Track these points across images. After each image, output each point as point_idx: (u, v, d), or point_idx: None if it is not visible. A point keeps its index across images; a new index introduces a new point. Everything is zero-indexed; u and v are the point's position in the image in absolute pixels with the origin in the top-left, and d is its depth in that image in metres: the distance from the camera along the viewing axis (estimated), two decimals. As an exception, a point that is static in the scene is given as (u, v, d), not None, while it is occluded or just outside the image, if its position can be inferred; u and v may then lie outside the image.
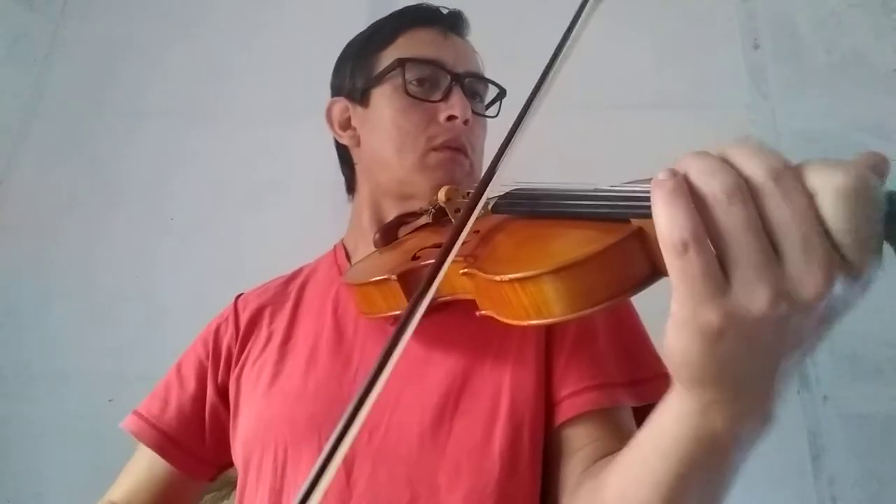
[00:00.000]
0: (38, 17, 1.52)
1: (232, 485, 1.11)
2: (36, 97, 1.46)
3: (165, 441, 0.71)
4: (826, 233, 0.28)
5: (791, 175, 0.29)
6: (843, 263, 0.29)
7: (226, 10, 1.50)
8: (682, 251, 0.29)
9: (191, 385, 0.73)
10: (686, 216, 0.29)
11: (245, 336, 0.73)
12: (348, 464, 0.58)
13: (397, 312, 0.57)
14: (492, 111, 0.80)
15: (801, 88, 1.28)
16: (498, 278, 0.43)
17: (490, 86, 0.78)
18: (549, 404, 0.59)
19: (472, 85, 0.74)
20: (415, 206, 0.71)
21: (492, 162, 0.54)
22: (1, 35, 1.49)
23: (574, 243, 0.40)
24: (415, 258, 0.56)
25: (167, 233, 1.33)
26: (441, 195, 0.65)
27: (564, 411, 0.58)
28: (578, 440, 0.57)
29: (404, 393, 0.60)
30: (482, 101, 0.78)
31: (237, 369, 0.71)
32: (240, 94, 1.43)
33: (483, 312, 0.47)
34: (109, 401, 1.18)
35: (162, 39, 1.49)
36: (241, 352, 0.73)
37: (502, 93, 0.80)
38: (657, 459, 0.39)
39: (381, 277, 0.56)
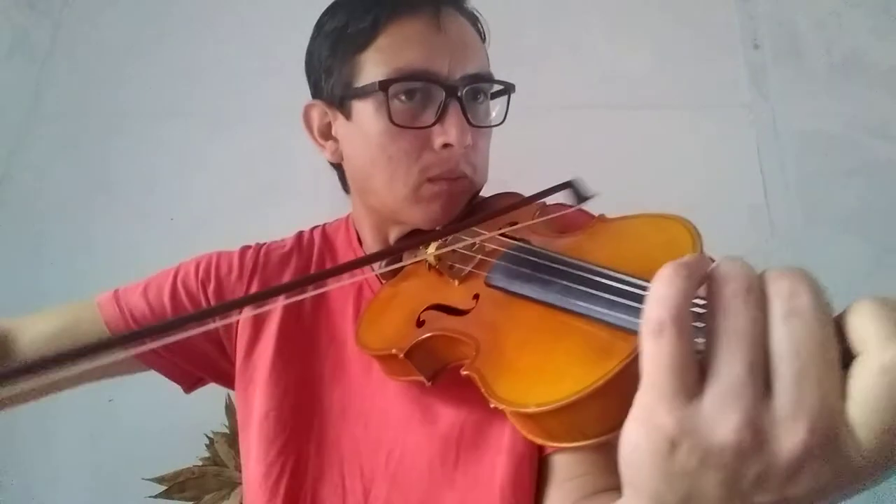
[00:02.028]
0: (38, 17, 1.52)
1: (232, 485, 1.11)
2: (36, 97, 1.46)
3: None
4: (848, 404, 0.24)
5: (815, 308, 0.24)
6: (846, 444, 0.24)
7: (226, 9, 1.50)
8: (657, 333, 0.26)
9: (182, 311, 0.68)
10: (675, 294, 0.26)
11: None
12: (367, 485, 0.58)
13: (414, 378, 0.55)
14: (499, 113, 0.68)
15: (801, 88, 1.28)
16: (500, 407, 0.40)
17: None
18: None
19: (472, 87, 0.62)
20: (413, 227, 0.66)
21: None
22: (1, 35, 1.49)
23: (576, 364, 0.37)
24: (420, 324, 0.54)
25: (167, 233, 1.33)
26: (430, 255, 0.58)
27: None
28: (565, 472, 0.54)
29: (416, 417, 0.59)
30: (486, 97, 0.66)
31: (247, 333, 0.68)
32: (240, 93, 1.42)
33: (495, 406, 0.42)
34: (109, 401, 1.18)
35: (162, 39, 1.49)
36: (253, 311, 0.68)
37: (509, 87, 0.67)
38: None
39: (391, 353, 0.54)
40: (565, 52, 1.36)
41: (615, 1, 1.39)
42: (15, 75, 1.48)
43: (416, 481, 0.57)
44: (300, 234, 0.78)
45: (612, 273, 0.40)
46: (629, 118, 1.26)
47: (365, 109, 0.61)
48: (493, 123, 0.67)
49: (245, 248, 0.75)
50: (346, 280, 0.61)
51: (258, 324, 0.68)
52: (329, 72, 0.64)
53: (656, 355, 0.26)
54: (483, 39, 0.67)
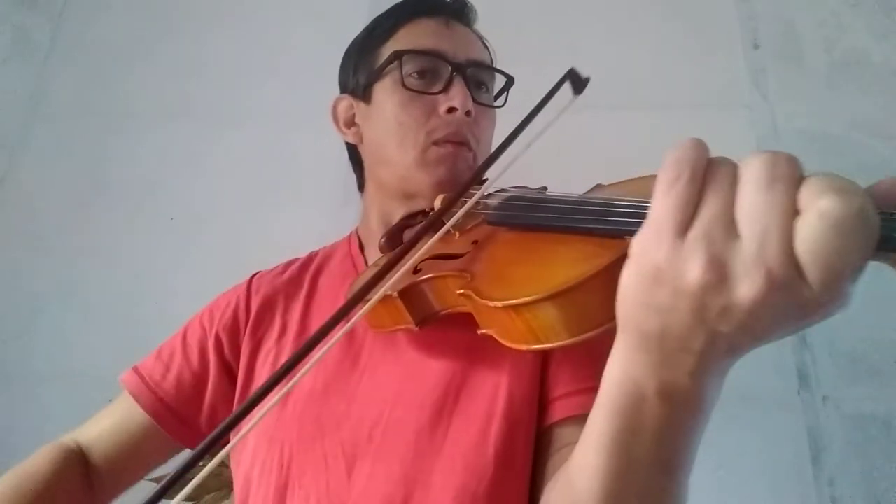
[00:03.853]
0: (38, 17, 1.52)
1: (232, 485, 1.11)
2: (36, 97, 1.46)
3: (162, 408, 0.71)
4: (797, 249, 0.27)
5: (787, 175, 0.28)
6: (799, 284, 0.28)
7: (226, 10, 1.50)
8: (672, 182, 0.30)
9: (194, 357, 0.73)
10: (695, 159, 0.30)
11: (257, 320, 0.73)
12: (349, 461, 0.59)
13: (403, 327, 0.56)
14: (499, 101, 0.78)
15: (801, 88, 1.28)
16: (492, 304, 0.42)
17: (497, 75, 0.76)
18: (543, 403, 0.59)
19: (475, 74, 0.72)
20: (419, 204, 0.70)
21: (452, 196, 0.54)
22: (1, 35, 1.49)
23: (568, 264, 0.40)
24: (416, 271, 0.55)
25: (167, 233, 1.33)
26: (437, 203, 0.63)
27: (556, 412, 0.57)
28: (566, 439, 0.56)
29: (404, 392, 0.60)
30: (489, 90, 0.75)
31: (248, 354, 0.71)
32: (241, 94, 1.42)
33: (484, 332, 0.46)
34: (109, 401, 1.18)
35: (163, 39, 1.49)
36: (252, 335, 0.72)
37: (510, 81, 0.77)
38: (595, 415, 0.38)
39: (385, 293, 0.55)
40: (565, 52, 1.35)
41: (615, 1, 1.39)
42: (15, 75, 1.48)
43: (402, 452, 0.57)
44: (294, 259, 0.82)
45: (602, 196, 0.43)
46: (629, 118, 1.26)
47: (383, 88, 0.71)
48: (493, 105, 0.76)
49: (237, 285, 0.80)
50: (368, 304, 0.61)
51: (256, 341, 0.72)
52: (356, 68, 0.75)
53: (665, 198, 0.30)
54: (489, 58, 0.77)
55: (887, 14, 1.30)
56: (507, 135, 0.55)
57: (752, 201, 0.28)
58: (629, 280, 0.32)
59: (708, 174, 0.30)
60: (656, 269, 0.30)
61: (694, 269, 0.29)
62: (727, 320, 0.29)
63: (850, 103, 1.25)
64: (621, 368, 0.36)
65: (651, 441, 0.36)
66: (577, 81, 0.61)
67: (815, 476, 1.03)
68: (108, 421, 0.73)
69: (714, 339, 0.31)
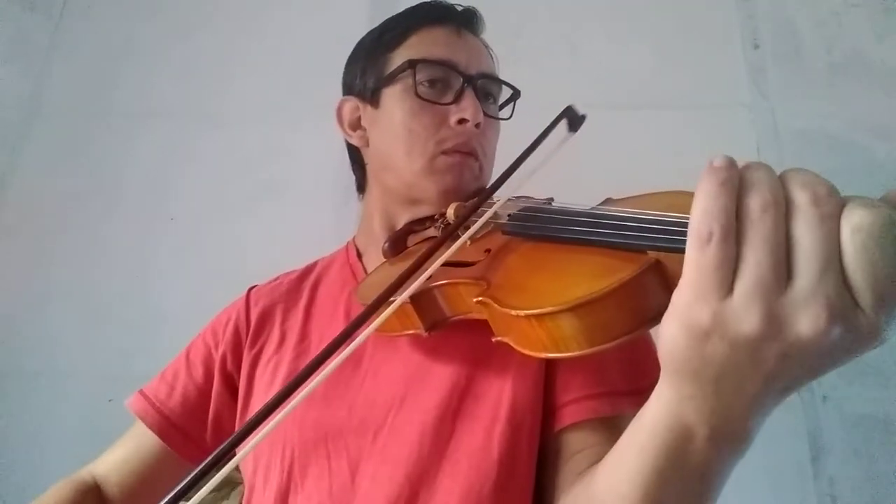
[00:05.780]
0: (38, 17, 1.52)
1: (232, 485, 1.11)
2: (36, 97, 1.46)
3: (168, 426, 0.71)
4: (845, 273, 0.28)
5: (832, 204, 0.28)
6: (854, 309, 0.28)
7: (226, 10, 1.50)
8: (705, 241, 0.29)
9: (198, 374, 0.73)
10: (723, 211, 0.29)
11: (256, 331, 0.73)
12: (353, 464, 0.59)
13: (412, 332, 0.56)
14: (505, 112, 0.79)
15: (801, 88, 1.28)
16: (514, 313, 0.42)
17: (504, 86, 0.77)
18: (550, 408, 0.59)
19: (485, 86, 0.73)
20: (424, 211, 0.70)
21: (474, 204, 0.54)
22: (1, 35, 1.49)
23: (591, 276, 0.40)
24: (428, 277, 0.55)
25: (167, 233, 1.33)
26: (450, 212, 0.63)
27: (565, 417, 0.58)
28: (577, 445, 0.57)
29: (408, 395, 0.61)
30: (495, 101, 0.76)
31: (248, 365, 0.71)
32: (240, 94, 1.42)
33: (499, 339, 0.47)
34: (109, 401, 1.18)
35: (162, 39, 1.49)
36: (252, 346, 0.72)
37: (516, 94, 0.78)
38: (634, 452, 0.39)
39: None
40: (565, 52, 1.36)
41: (615, 1, 1.39)
42: (15, 75, 1.48)
43: (406, 455, 0.57)
44: (292, 270, 0.83)
45: (621, 209, 0.43)
46: (629, 118, 1.26)
47: (393, 94, 0.71)
48: (501, 117, 0.77)
49: (236, 300, 0.79)
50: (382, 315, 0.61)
51: (256, 351, 0.72)
52: (364, 71, 0.75)
53: (700, 260, 0.30)
54: (495, 68, 0.77)
55: (887, 14, 1.30)
56: (508, 149, 0.56)
57: (809, 241, 0.28)
58: (676, 335, 0.32)
59: (743, 216, 0.30)
60: (706, 327, 0.30)
61: (750, 323, 0.29)
62: (787, 362, 0.30)
63: (850, 103, 1.25)
64: (670, 412, 0.35)
65: (692, 477, 0.37)
66: (574, 119, 0.62)
67: (815, 476, 1.03)
68: (121, 451, 0.73)
69: (771, 381, 0.31)
